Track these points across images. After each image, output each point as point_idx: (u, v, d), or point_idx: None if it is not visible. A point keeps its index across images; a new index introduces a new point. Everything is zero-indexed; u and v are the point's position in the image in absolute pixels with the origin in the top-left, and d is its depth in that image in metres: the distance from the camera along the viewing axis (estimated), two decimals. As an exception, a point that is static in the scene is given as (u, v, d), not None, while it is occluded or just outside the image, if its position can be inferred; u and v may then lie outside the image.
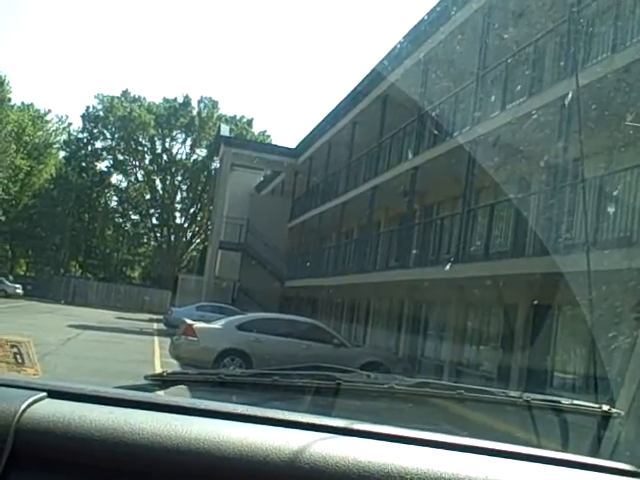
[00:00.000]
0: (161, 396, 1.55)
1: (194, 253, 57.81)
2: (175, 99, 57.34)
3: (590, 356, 7.91)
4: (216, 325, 14.96)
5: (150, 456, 1.14)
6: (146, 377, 1.77)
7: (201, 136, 56.51)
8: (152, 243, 59.50)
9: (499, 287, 12.92)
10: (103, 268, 57.29)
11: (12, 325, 18.44)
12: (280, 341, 13.82)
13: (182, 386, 1.77)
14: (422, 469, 1.14)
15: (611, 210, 9.93)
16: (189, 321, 14.75)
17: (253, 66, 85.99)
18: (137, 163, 57.59)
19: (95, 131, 56.52)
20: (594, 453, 1.54)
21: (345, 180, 24.30)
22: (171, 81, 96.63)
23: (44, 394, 1.26)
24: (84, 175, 56.08)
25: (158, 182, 57.82)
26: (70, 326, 22.81)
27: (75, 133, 57.15)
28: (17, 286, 40.79)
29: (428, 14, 17.59)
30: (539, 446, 1.46)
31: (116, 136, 56.44)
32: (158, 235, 58.51)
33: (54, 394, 1.28)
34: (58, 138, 57.07)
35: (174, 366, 12.65)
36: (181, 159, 57.76)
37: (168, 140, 57.29)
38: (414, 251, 17.20)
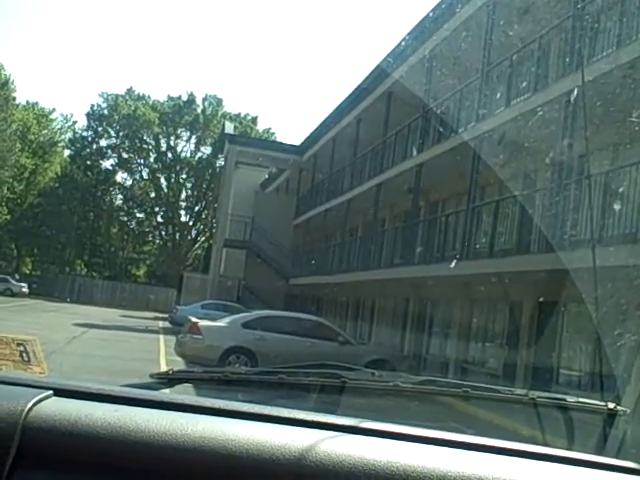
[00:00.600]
0: (167, 394, 1.55)
1: (199, 251, 57.85)
2: (180, 97, 57.39)
3: (596, 353, 7.89)
4: (221, 323, 15.00)
5: (156, 454, 1.14)
6: (152, 375, 1.77)
7: (206, 134, 56.48)
8: (157, 241, 59.50)
9: (504, 284, 12.89)
10: (108, 266, 57.34)
11: (18, 324, 18.52)
12: (285, 339, 13.83)
13: (188, 384, 1.78)
14: (428, 467, 1.13)
15: (617, 206, 9.91)
16: (194, 319, 14.80)
17: (257, 63, 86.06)
18: (142, 161, 57.66)
19: (100, 129, 56.55)
20: (600, 451, 1.54)
21: (350, 177, 24.29)
22: (175, 79, 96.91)
23: (50, 392, 1.26)
24: (89, 173, 56.17)
25: (163, 180, 57.87)
26: (75, 324, 22.90)
27: (80, 131, 57.32)
28: (23, 285, 40.87)
29: (433, 10, 17.56)
30: (545, 444, 1.46)
31: (121, 134, 56.48)
32: (163, 233, 58.53)
33: (60, 392, 1.28)
34: (63, 137, 57.32)
35: (180, 364, 12.68)
36: (186, 157, 57.80)
37: (173, 138, 57.35)
38: (419, 248, 17.17)
